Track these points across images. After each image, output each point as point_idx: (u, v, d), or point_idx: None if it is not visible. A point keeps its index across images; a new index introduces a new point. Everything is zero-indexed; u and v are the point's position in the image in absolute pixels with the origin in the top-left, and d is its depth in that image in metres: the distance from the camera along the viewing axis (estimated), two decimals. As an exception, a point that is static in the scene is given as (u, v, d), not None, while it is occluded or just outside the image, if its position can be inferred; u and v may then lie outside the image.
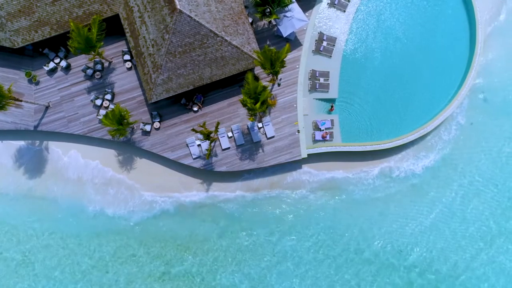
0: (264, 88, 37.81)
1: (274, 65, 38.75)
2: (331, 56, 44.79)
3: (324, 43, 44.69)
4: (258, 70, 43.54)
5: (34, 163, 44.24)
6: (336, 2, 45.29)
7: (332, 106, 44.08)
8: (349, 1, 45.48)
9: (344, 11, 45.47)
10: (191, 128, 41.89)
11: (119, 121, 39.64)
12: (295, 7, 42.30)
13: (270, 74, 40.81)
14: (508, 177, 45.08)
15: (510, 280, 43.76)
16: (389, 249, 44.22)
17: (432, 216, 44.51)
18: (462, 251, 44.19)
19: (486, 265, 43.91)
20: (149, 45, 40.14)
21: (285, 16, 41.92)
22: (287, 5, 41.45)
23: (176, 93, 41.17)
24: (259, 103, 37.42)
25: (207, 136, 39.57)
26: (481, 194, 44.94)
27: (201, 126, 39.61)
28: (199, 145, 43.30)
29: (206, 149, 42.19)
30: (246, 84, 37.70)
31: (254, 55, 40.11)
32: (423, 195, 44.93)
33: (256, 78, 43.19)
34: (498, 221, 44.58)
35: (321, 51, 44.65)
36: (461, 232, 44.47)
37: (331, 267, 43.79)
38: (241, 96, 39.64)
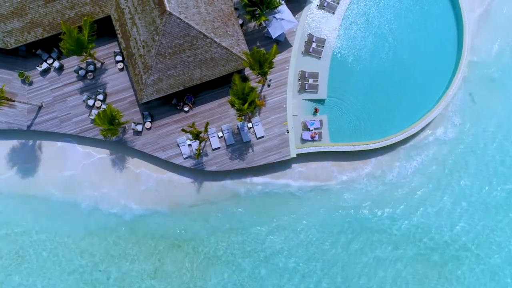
0: (252, 89, 38.47)
1: (262, 66, 39.39)
2: (320, 57, 45.42)
3: (314, 45, 45.31)
4: (248, 71, 44.20)
5: (27, 162, 44.90)
6: (325, 4, 45.90)
7: (316, 109, 44.60)
8: (338, 3, 46.08)
9: (333, 13, 46.08)
10: (182, 128, 42.50)
11: (110, 121, 40.28)
12: (284, 8, 42.94)
13: (259, 75, 41.36)
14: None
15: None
16: (376, 245, 45.05)
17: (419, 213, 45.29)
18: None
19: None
20: (140, 46, 40.80)
21: (274, 17, 42.56)
22: (276, 7, 42.07)
23: (167, 93, 41.83)
24: (247, 104, 38.07)
25: (196, 136, 40.21)
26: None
27: (191, 126, 40.25)
28: (189, 145, 43.96)
29: (196, 149, 42.79)
30: (234, 85, 38.39)
31: (243, 56, 40.72)
32: (411, 195, 45.57)
33: (245, 79, 43.93)
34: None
35: (310, 52, 45.28)
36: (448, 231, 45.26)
37: (319, 263, 44.55)
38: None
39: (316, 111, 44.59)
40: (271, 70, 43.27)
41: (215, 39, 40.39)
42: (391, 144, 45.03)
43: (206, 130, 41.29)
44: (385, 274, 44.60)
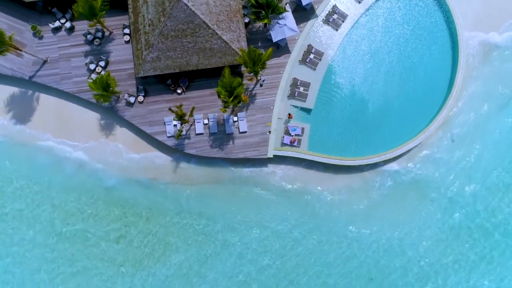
0: (239, 84, 40.45)
1: (255, 65, 41.38)
2: (315, 68, 47.24)
3: (312, 56, 47.17)
4: (243, 68, 46.14)
5: (22, 110, 47.34)
6: (330, 20, 47.71)
7: (289, 115, 46.36)
8: (343, 21, 47.86)
9: (337, 29, 47.88)
10: (169, 107, 44.63)
11: (104, 88, 42.61)
12: (288, 15, 44.85)
13: (251, 73, 43.32)
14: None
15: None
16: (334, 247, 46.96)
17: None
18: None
19: None
20: (146, 24, 43.07)
21: (277, 22, 44.52)
22: (281, 13, 44.03)
23: (163, 72, 44.05)
24: (232, 97, 40.08)
25: (180, 117, 42.33)
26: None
27: (177, 107, 42.39)
28: (175, 125, 46.09)
29: (178, 129, 44.87)
30: (223, 78, 40.41)
31: (240, 52, 42.73)
32: (367, 217, 47.30)
33: (240, 75, 45.95)
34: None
35: (307, 62, 47.14)
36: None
37: (266, 256, 46.61)
38: (221, 88, 42.32)
39: (289, 116, 46.36)
40: (265, 71, 45.48)
41: (217, 31, 42.50)
42: (363, 165, 46.70)
43: (191, 114, 43.41)
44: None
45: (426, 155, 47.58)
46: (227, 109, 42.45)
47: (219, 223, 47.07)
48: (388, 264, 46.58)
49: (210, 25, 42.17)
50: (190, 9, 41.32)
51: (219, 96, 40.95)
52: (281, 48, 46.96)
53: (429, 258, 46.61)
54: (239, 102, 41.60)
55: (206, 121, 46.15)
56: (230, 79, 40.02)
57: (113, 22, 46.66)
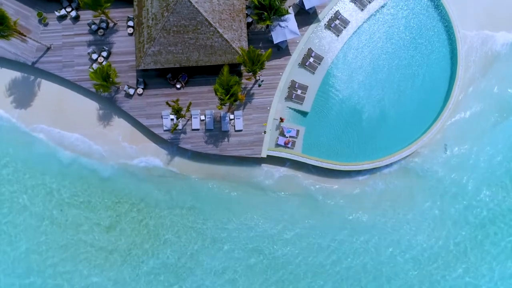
0: (237, 83, 41.00)
1: (254, 65, 41.92)
2: (314, 72, 47.75)
3: (311, 59, 47.66)
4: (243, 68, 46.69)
5: (23, 96, 48.06)
6: (332, 25, 48.19)
7: (281, 119, 46.86)
8: (345, 27, 48.33)
9: (338, 35, 48.35)
10: (167, 101, 45.17)
11: (104, 78, 43.26)
12: (291, 18, 45.36)
13: (250, 73, 43.84)
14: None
15: None
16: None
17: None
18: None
19: None
20: (150, 17, 43.67)
21: (279, 24, 45.02)
22: (283, 15, 44.52)
23: (163, 67, 44.65)
24: (229, 95, 40.64)
25: (176, 112, 42.91)
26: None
27: (174, 102, 42.98)
28: (172, 119, 46.69)
29: (173, 124, 45.45)
30: (221, 75, 40.97)
31: (240, 51, 43.27)
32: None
33: (240, 74, 46.50)
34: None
35: (306, 65, 47.64)
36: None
37: (259, 257, 47.35)
38: (220, 85, 42.86)
39: (281, 120, 46.84)
40: (265, 72, 46.06)
41: (219, 29, 43.07)
42: (355, 170, 47.19)
43: (188, 109, 44.01)
44: None
45: (418, 164, 48.02)
46: (223, 106, 43.00)
47: (208, 218, 47.67)
48: (377, 268, 47.26)
49: (212, 23, 42.74)
50: (193, 6, 41.90)
51: (216, 93, 41.50)
52: (282, 50, 47.48)
53: (418, 270, 47.17)
54: (235, 101, 42.14)
55: (202, 117, 46.73)
56: (228, 77, 40.58)
57: (118, 14, 47.32)
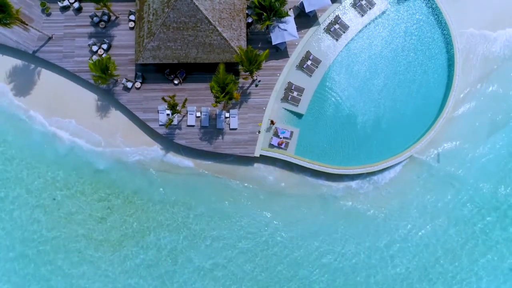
0: (232, 81, 41.41)
1: (251, 64, 42.33)
2: (311, 75, 48.11)
3: (309, 62, 48.02)
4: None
5: (22, 84, 48.60)
6: (332, 30, 48.54)
7: (272, 121, 47.22)
8: (344, 32, 48.66)
9: (337, 39, 48.69)
10: (163, 96, 45.58)
11: (103, 70, 43.73)
12: (290, 20, 45.73)
13: (247, 72, 44.24)
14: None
15: None
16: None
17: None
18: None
19: None
20: (151, 13, 44.12)
21: (278, 26, 45.40)
22: (283, 17, 44.89)
23: (162, 62, 45.10)
24: (224, 93, 41.06)
25: (172, 107, 43.36)
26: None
27: (170, 97, 43.43)
28: (168, 114, 47.11)
29: (168, 119, 45.90)
30: (218, 73, 41.38)
31: (238, 50, 43.67)
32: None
33: (237, 73, 46.90)
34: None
35: (304, 68, 48.01)
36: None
37: (245, 257, 47.78)
38: (216, 83, 43.26)
39: (272, 123, 47.21)
40: (262, 72, 46.45)
41: (218, 28, 43.48)
42: (345, 174, 47.59)
43: (183, 105, 44.43)
44: None
45: (411, 170, 48.27)
46: (218, 104, 43.41)
47: (199, 213, 48.10)
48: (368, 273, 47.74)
49: (211, 21, 43.16)
50: (194, 3, 42.32)
51: (211, 91, 41.91)
52: (280, 52, 47.86)
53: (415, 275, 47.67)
54: (230, 99, 42.56)
55: (198, 114, 47.16)
56: (224, 75, 40.98)
57: (120, 8, 47.80)
